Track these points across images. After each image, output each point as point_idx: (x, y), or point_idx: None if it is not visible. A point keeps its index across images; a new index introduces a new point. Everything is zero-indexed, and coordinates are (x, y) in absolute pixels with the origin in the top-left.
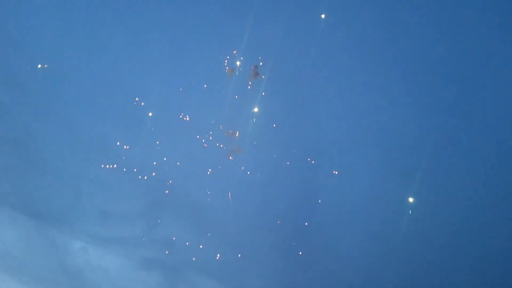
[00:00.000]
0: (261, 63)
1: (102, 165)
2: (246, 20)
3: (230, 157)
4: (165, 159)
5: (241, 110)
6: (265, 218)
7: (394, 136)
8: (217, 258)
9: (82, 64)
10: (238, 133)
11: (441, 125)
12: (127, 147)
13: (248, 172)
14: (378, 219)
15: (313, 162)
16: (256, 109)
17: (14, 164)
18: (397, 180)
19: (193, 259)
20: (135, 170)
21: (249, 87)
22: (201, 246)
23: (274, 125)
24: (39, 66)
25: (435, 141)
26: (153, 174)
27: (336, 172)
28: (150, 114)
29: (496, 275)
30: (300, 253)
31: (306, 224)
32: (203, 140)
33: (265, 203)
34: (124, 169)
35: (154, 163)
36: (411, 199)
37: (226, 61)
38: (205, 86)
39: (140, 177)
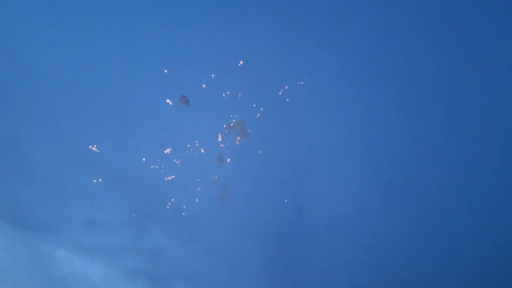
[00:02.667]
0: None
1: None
2: (233, 19)
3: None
4: (152, 167)
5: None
6: (252, 228)
7: (382, 145)
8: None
9: (70, 69)
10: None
11: (428, 136)
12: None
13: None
14: (365, 228)
15: (300, 171)
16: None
17: None
18: (384, 189)
19: (180, 269)
20: (122, 178)
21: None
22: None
23: (261, 133)
24: None
25: (422, 151)
26: (140, 182)
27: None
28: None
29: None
30: (288, 262)
31: (294, 233)
32: (192, 150)
33: (253, 213)
34: (111, 178)
35: (142, 172)
36: None
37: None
38: (203, 86)
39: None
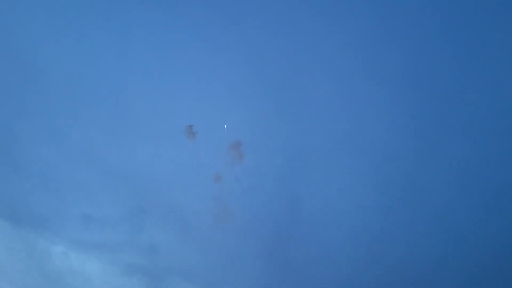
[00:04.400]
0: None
1: None
2: (232, 18)
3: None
4: (150, 163)
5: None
6: (250, 224)
7: (380, 141)
8: None
9: (67, 64)
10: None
11: (427, 132)
12: None
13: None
14: (364, 225)
15: (297, 167)
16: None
17: None
18: (383, 185)
19: (177, 264)
20: (119, 174)
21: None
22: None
23: (258, 129)
24: None
25: (421, 147)
26: (138, 178)
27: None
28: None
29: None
30: (286, 259)
31: (291, 230)
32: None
33: (250, 209)
34: (108, 173)
35: (139, 166)
36: None
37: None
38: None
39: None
